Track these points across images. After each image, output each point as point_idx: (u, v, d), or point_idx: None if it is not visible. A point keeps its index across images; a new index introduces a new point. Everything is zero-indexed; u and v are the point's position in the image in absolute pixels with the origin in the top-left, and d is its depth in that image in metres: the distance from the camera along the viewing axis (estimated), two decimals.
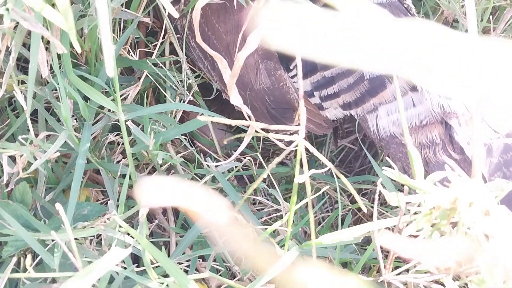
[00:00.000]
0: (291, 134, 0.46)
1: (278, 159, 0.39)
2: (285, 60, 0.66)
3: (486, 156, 0.54)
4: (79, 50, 0.40)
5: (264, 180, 0.79)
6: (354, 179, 0.82)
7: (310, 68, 0.64)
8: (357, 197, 0.42)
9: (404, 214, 0.41)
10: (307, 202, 0.44)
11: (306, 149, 0.40)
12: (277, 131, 0.42)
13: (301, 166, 0.42)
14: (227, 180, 0.64)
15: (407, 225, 0.39)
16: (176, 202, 0.25)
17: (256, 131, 0.45)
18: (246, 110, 0.52)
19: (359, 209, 0.82)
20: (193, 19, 0.48)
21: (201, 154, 0.79)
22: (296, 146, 0.40)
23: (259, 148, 0.82)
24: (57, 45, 0.38)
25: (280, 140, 0.45)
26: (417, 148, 0.59)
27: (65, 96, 0.51)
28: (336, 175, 0.73)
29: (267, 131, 0.45)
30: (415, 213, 0.40)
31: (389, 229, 0.46)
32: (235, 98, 0.50)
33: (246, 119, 0.75)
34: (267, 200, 0.69)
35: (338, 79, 0.63)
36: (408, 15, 0.63)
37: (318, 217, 0.81)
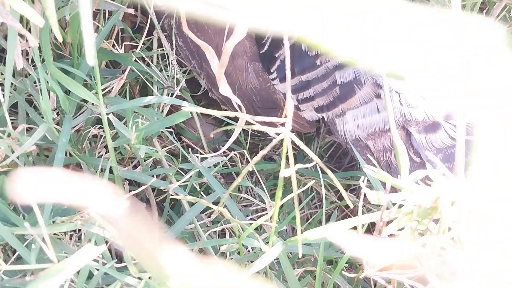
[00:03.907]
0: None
1: (263, 152, 0.38)
2: (267, 64, 0.69)
3: (443, 162, 0.57)
4: (60, 39, 0.39)
5: (251, 177, 0.78)
6: (342, 174, 0.82)
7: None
8: (344, 193, 0.42)
9: (387, 208, 0.41)
10: (293, 199, 0.44)
11: (294, 144, 0.40)
12: (264, 123, 0.42)
13: (288, 160, 0.41)
14: (213, 175, 0.63)
15: (389, 223, 0.38)
16: (58, 196, 0.21)
17: (244, 123, 0.44)
18: (236, 100, 0.51)
19: (347, 206, 0.82)
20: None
21: (189, 149, 0.78)
22: (283, 138, 0.39)
23: (246, 144, 0.82)
24: (28, 37, 0.37)
25: (266, 134, 0.45)
26: (380, 152, 0.62)
27: (45, 89, 0.50)
28: (322, 170, 0.74)
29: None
30: (398, 209, 0.39)
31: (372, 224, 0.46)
32: (224, 88, 0.49)
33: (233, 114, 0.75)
34: (254, 198, 0.68)
35: (313, 84, 0.66)
36: None
37: (305, 213, 0.80)
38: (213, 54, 0.48)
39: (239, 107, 0.50)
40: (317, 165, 0.86)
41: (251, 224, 0.49)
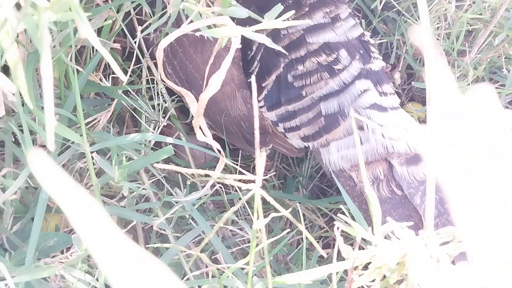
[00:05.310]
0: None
1: (229, 212, 0.39)
2: None
3: (421, 196, 0.57)
4: (31, 106, 0.40)
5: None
6: (330, 199, 0.82)
7: (275, 102, 0.68)
8: (315, 244, 0.42)
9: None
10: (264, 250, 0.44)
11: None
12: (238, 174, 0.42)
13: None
14: (198, 207, 0.64)
15: (360, 276, 0.39)
16: None
17: (218, 177, 0.45)
18: (215, 146, 0.52)
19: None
20: (157, 58, 0.48)
21: (179, 174, 0.78)
22: (253, 194, 0.39)
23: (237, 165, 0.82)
24: (7, 86, 0.37)
25: (238, 183, 0.45)
26: (362, 183, 0.62)
27: (27, 131, 0.50)
28: (311, 200, 0.74)
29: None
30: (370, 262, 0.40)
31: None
32: (200, 136, 0.50)
33: (221, 139, 0.76)
34: (240, 230, 0.69)
35: (299, 114, 0.67)
36: (367, 54, 0.66)
37: (295, 238, 0.81)
38: (192, 99, 0.49)
39: (219, 151, 0.50)
40: (302, 190, 0.87)
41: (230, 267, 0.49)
